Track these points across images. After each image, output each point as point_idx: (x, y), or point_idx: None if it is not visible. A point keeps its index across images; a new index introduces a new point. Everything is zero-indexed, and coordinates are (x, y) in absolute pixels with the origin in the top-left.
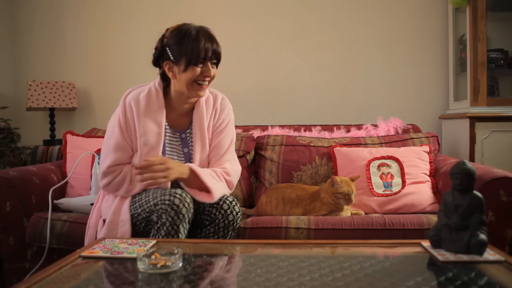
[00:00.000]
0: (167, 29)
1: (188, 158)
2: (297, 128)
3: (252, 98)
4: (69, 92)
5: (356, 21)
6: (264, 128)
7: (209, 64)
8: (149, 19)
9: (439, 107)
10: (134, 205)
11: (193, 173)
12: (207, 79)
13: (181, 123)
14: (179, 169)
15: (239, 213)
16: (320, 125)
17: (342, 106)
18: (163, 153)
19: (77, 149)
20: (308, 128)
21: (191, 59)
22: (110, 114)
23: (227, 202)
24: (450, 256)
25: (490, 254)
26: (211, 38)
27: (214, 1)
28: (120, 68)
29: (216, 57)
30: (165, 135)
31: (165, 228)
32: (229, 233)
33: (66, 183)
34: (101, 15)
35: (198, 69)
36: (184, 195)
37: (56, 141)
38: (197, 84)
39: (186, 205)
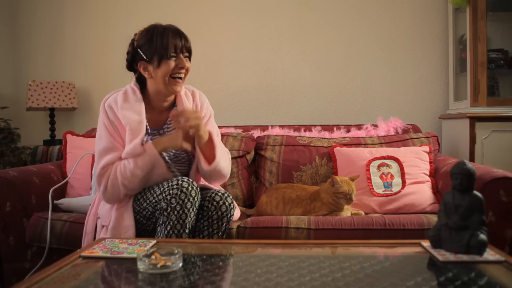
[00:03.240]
0: (136, 34)
1: (186, 153)
2: (297, 128)
3: (252, 98)
4: (69, 92)
5: (356, 21)
6: (264, 128)
7: (181, 56)
8: (149, 19)
9: (439, 107)
10: (138, 201)
11: (211, 139)
12: (182, 71)
13: (161, 121)
14: (205, 128)
15: (231, 204)
16: (320, 125)
17: (342, 106)
18: None
19: (77, 149)
20: (308, 128)
21: (163, 54)
22: None
23: (219, 194)
24: (450, 256)
25: (490, 254)
26: (179, 33)
27: (214, 1)
28: (120, 68)
29: (187, 51)
30: (150, 135)
31: (175, 212)
32: (223, 225)
33: (66, 183)
34: (101, 15)
35: (172, 63)
36: (191, 180)
37: (56, 141)
38: (173, 79)
39: (195, 188)
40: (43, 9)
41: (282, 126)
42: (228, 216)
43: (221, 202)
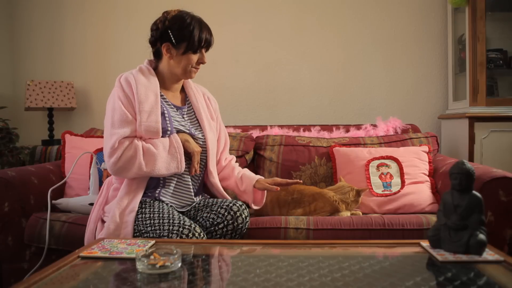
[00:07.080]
0: (167, 12)
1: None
2: (296, 128)
3: (252, 98)
4: (67, 92)
5: (355, 21)
6: (263, 128)
7: (203, 52)
8: (148, 19)
9: (438, 107)
10: (143, 222)
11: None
12: (200, 66)
13: (176, 100)
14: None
15: (247, 218)
16: (319, 125)
17: (341, 106)
18: (171, 124)
19: (76, 149)
20: (307, 128)
21: (192, 46)
22: None
23: (237, 204)
24: (449, 256)
25: (489, 254)
26: (209, 30)
27: (213, 1)
28: (118, 68)
29: (208, 48)
30: (165, 108)
31: None
32: (236, 238)
33: (65, 183)
34: (100, 15)
35: (196, 57)
36: (193, 225)
37: (55, 141)
38: (192, 68)
39: (197, 234)
40: (42, 8)
41: (281, 126)
42: (242, 229)
43: (238, 213)
